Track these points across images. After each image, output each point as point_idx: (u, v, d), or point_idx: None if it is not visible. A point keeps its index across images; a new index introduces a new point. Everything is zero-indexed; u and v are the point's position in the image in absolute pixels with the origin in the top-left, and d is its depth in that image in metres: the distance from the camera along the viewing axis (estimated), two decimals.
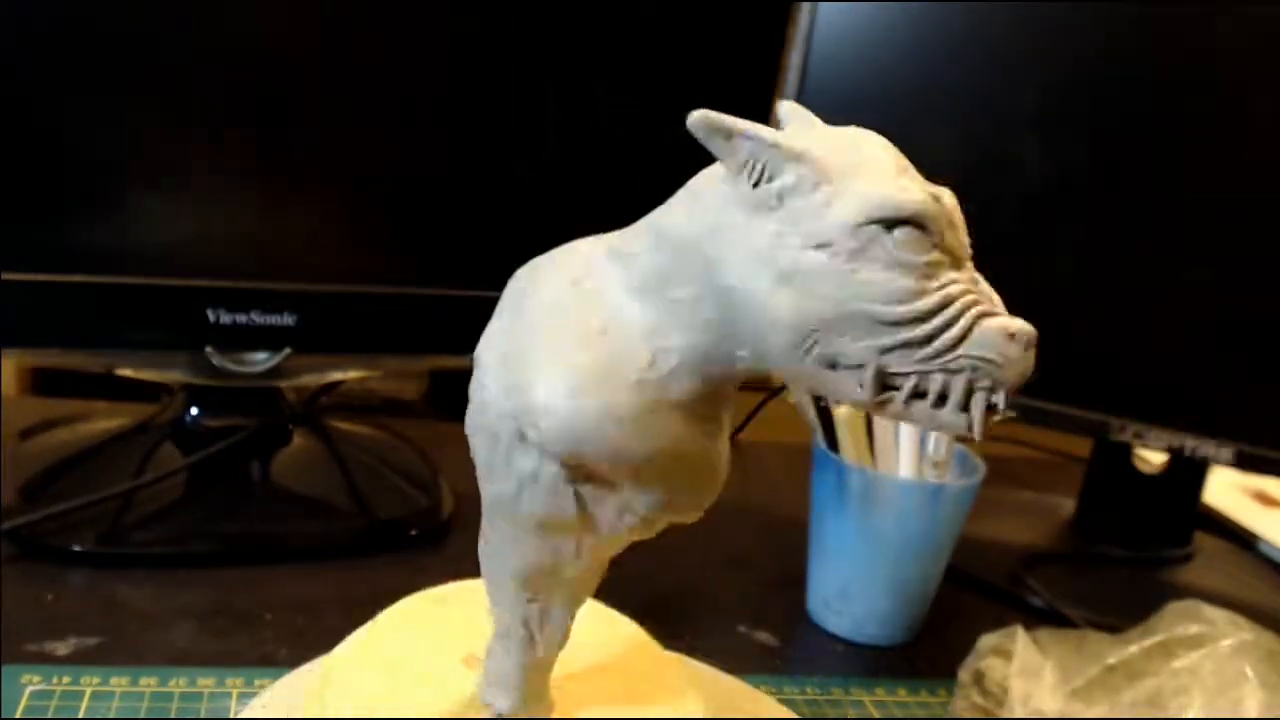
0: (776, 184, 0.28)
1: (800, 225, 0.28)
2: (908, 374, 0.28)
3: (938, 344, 0.28)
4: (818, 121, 0.31)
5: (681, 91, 0.63)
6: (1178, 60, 0.65)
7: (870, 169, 0.28)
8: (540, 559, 0.33)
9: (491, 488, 0.32)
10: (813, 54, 0.69)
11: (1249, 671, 0.48)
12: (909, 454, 0.59)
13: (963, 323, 0.28)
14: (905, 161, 0.30)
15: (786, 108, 0.32)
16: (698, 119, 0.28)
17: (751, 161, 0.28)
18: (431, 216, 0.63)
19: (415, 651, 0.40)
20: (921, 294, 0.28)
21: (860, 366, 0.28)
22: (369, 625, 0.42)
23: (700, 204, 0.30)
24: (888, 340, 0.28)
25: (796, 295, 0.28)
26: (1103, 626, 0.57)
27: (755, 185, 0.28)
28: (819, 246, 0.28)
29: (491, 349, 0.32)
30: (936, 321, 0.28)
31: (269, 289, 0.60)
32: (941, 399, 0.28)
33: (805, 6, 0.68)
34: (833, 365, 0.28)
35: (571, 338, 0.30)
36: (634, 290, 0.30)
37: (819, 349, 0.28)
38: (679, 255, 0.30)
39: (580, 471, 0.31)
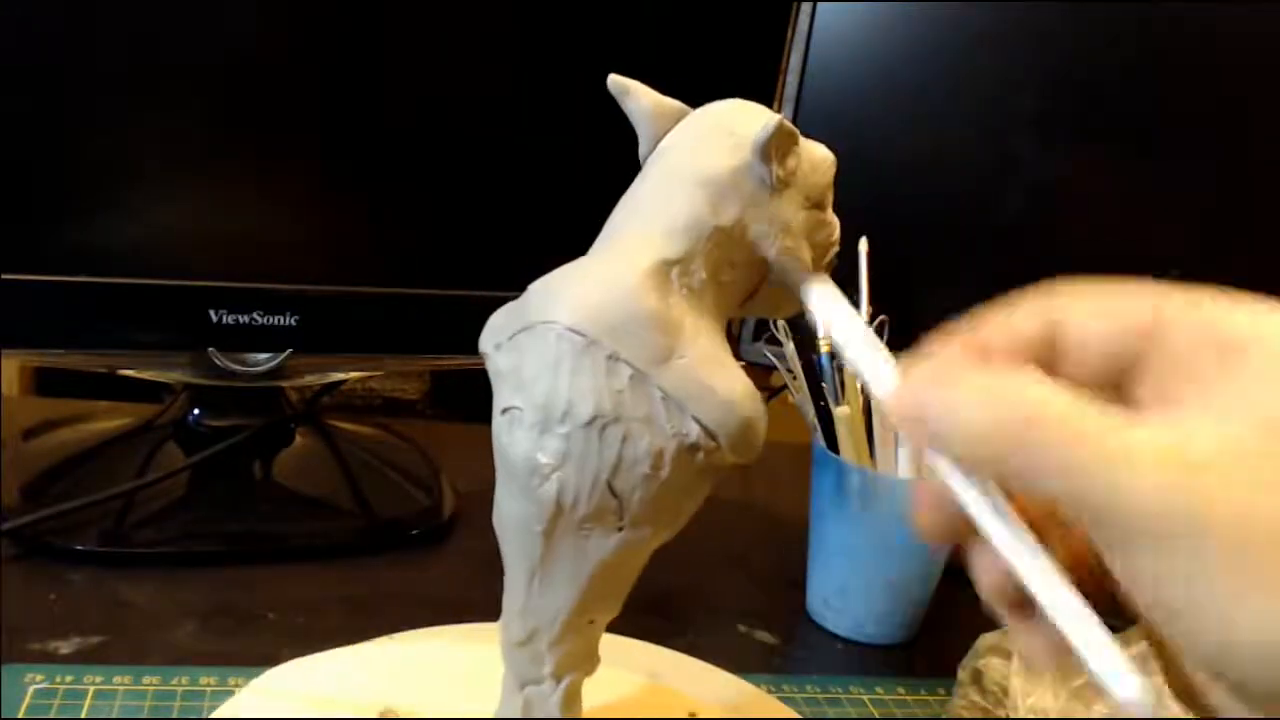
0: (791, 163, 0.33)
1: (802, 193, 0.34)
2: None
3: (835, 241, 0.36)
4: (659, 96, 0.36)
5: (681, 92, 0.63)
6: (1178, 60, 0.66)
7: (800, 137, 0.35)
8: (619, 569, 0.34)
9: (637, 521, 0.33)
10: (813, 54, 0.69)
11: None
12: (909, 454, 0.60)
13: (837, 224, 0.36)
14: None
15: (617, 82, 0.36)
16: (777, 134, 0.32)
17: (774, 148, 0.32)
18: (431, 217, 0.63)
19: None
20: None
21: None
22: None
23: (733, 194, 0.33)
24: (827, 255, 0.36)
25: (811, 248, 0.34)
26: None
27: (774, 168, 0.33)
28: (815, 206, 0.34)
29: (642, 389, 0.31)
30: (838, 229, 0.36)
31: (271, 289, 0.60)
32: None
33: (805, 7, 0.68)
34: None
35: (717, 350, 0.33)
36: (700, 289, 0.33)
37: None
38: (724, 244, 0.33)
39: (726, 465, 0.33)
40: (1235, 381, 0.22)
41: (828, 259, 0.36)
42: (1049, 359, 0.26)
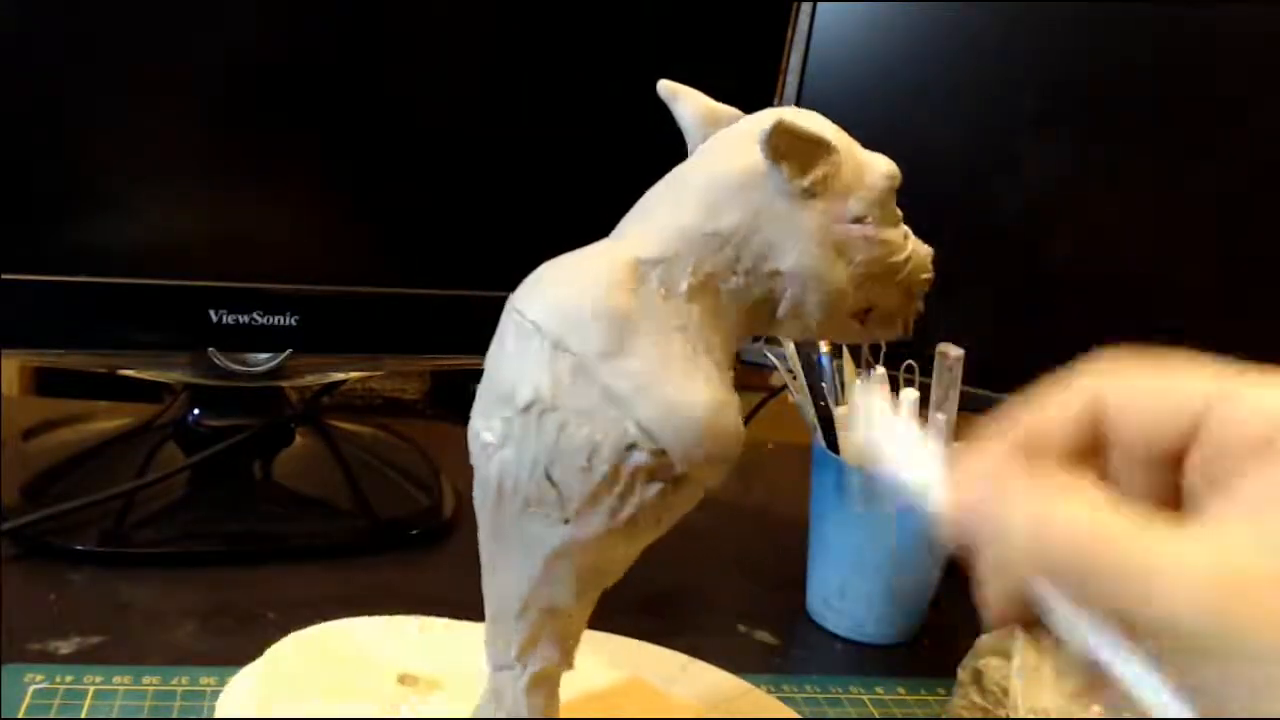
0: (819, 172, 0.32)
1: (839, 205, 0.32)
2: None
3: (906, 270, 0.34)
4: (708, 100, 0.35)
5: None
6: (1178, 60, 0.66)
7: (854, 146, 0.33)
8: (579, 565, 0.34)
9: (580, 515, 0.32)
10: (813, 54, 0.69)
11: None
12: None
13: (912, 247, 0.35)
14: None
15: (667, 87, 0.35)
16: (773, 133, 0.31)
17: (795, 156, 0.31)
18: (432, 217, 0.63)
19: (338, 677, 0.41)
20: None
21: (869, 308, 0.34)
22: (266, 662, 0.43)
23: (738, 198, 0.32)
24: (891, 278, 0.34)
25: (848, 264, 0.33)
26: None
27: (796, 176, 0.32)
28: (856, 220, 0.33)
29: (584, 381, 0.31)
30: (907, 252, 0.34)
31: (271, 289, 0.60)
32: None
33: (805, 6, 0.68)
34: (863, 316, 0.34)
35: (683, 356, 0.32)
36: (687, 292, 0.32)
37: (860, 304, 0.34)
38: (728, 249, 0.32)
39: (686, 474, 0.32)
40: (1275, 481, 0.22)
41: (901, 276, 0.34)
42: (1097, 444, 0.26)
